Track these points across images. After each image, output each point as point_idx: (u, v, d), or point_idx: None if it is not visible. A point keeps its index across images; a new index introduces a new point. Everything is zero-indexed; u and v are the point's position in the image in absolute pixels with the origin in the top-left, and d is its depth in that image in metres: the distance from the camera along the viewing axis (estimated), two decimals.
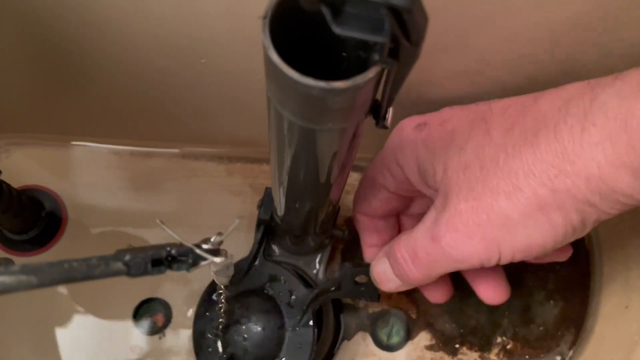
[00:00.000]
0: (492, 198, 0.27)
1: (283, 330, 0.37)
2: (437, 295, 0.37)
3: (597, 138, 0.23)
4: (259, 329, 0.37)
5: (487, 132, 0.28)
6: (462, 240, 0.28)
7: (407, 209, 0.37)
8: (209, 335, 0.38)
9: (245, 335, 0.37)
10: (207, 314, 0.39)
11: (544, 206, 0.25)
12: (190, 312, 0.43)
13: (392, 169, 0.33)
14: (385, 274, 0.33)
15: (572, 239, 0.27)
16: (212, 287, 0.40)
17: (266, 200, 0.38)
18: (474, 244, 0.27)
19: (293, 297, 0.38)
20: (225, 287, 0.32)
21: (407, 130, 0.32)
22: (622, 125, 0.22)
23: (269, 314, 0.37)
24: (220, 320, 0.36)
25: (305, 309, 0.37)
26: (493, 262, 0.28)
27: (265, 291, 0.38)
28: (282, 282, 0.38)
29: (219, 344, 0.38)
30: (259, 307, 0.37)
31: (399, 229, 0.38)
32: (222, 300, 0.35)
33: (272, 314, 0.37)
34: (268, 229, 0.39)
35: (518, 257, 0.28)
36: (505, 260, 0.28)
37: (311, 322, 0.37)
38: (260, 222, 0.39)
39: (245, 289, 0.39)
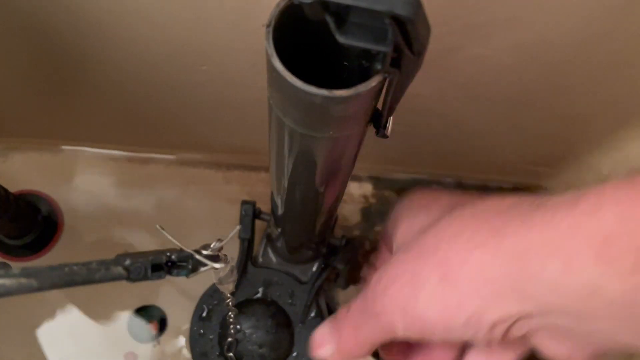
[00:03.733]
0: (414, 256, 0.27)
1: (292, 327, 0.39)
2: None
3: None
4: (271, 334, 0.39)
5: (453, 207, 0.29)
6: (378, 296, 0.28)
7: None
8: (216, 354, 0.39)
9: (260, 343, 0.39)
10: (202, 332, 0.40)
11: (444, 277, 0.25)
12: (185, 318, 0.43)
13: (387, 230, 0.35)
14: (323, 336, 0.32)
15: (473, 336, 0.26)
16: (201, 307, 0.41)
17: (244, 219, 0.39)
18: (387, 298, 0.27)
19: (293, 295, 0.40)
20: (232, 294, 0.33)
21: (411, 194, 0.34)
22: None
23: (275, 317, 0.39)
24: (231, 329, 0.37)
25: (308, 302, 0.39)
26: (400, 329, 0.27)
27: (264, 297, 0.40)
28: (278, 284, 0.40)
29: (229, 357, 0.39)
30: (265, 314, 0.39)
31: None
32: (231, 315, 0.35)
33: (278, 316, 0.39)
34: (252, 240, 0.40)
35: (414, 329, 0.27)
36: (405, 327, 0.27)
37: (315, 313, 0.39)
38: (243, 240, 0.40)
39: (244, 299, 0.39)
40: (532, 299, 0.23)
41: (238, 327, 0.38)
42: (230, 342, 0.38)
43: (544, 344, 0.25)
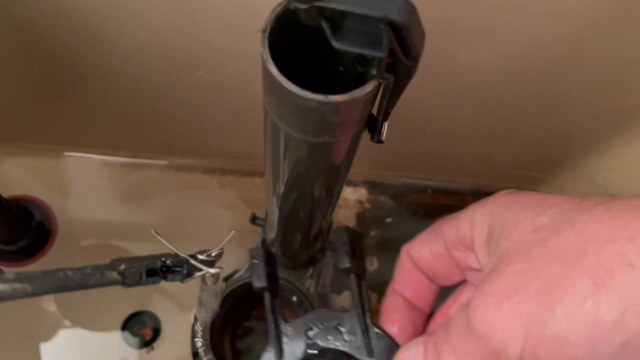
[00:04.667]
0: (547, 261, 0.22)
1: None
2: None
3: None
4: None
5: (580, 202, 0.23)
6: (488, 307, 0.22)
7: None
8: None
9: None
10: None
11: (599, 285, 0.20)
12: (179, 325, 0.43)
13: (462, 223, 0.28)
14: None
15: None
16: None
17: (256, 263, 0.32)
18: (500, 315, 0.22)
19: (343, 330, 0.33)
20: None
21: (501, 193, 0.27)
22: None
23: None
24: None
25: (363, 328, 0.33)
26: (514, 353, 0.22)
27: (314, 350, 0.33)
28: (322, 327, 0.33)
29: None
30: None
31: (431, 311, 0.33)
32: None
33: None
34: (275, 289, 0.34)
35: (539, 353, 0.22)
36: (524, 351, 0.22)
37: (378, 337, 0.32)
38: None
39: None
40: None
41: None
42: None
43: None
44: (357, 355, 0.32)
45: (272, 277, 0.32)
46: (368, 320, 0.32)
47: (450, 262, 0.30)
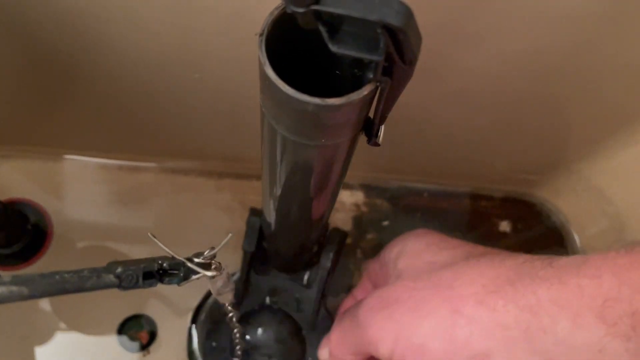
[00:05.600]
0: (426, 285, 0.28)
1: (302, 334, 0.38)
2: None
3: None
4: (280, 343, 0.38)
5: (471, 250, 0.30)
6: (373, 306, 0.29)
7: None
8: None
9: (269, 354, 0.38)
10: (214, 344, 0.39)
11: (456, 311, 0.26)
12: (175, 328, 0.42)
13: (388, 247, 0.35)
14: (325, 339, 0.34)
15: None
16: (208, 320, 0.40)
17: (249, 232, 0.38)
18: (380, 315, 0.28)
19: (299, 300, 0.38)
20: (233, 306, 0.32)
21: (419, 229, 0.35)
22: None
23: (283, 325, 0.38)
24: (237, 347, 0.36)
25: (316, 307, 0.38)
26: (383, 350, 0.28)
27: (270, 305, 0.39)
28: (284, 290, 0.39)
29: None
30: (271, 323, 0.38)
31: None
32: (235, 324, 0.34)
33: (286, 324, 0.38)
34: (256, 251, 0.39)
35: (404, 354, 0.27)
36: (395, 354, 0.28)
37: (325, 318, 0.38)
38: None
39: (250, 309, 0.39)
40: (541, 353, 0.24)
41: (245, 339, 0.38)
42: (239, 355, 0.37)
43: None
44: (301, 324, 0.38)
45: (258, 244, 0.37)
46: (323, 304, 0.38)
47: (384, 275, 0.35)
